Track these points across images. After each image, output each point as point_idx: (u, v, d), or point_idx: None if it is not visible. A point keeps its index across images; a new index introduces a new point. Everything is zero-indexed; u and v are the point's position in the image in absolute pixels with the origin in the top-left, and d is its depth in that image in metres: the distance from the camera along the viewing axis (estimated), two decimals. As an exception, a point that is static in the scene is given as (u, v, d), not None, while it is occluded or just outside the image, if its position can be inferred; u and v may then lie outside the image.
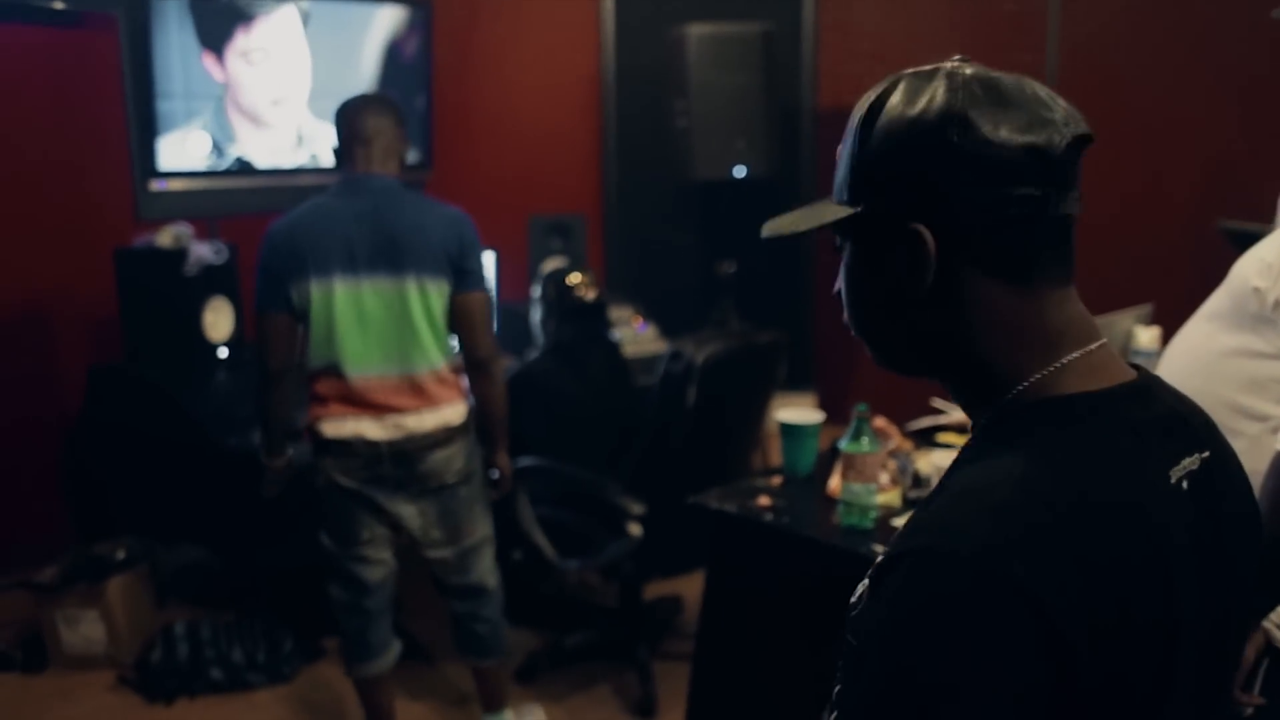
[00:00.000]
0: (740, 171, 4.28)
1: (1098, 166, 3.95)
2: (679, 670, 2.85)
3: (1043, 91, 0.84)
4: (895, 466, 2.11)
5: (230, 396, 3.35)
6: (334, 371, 2.36)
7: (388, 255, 2.33)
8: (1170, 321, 1.96)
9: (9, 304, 3.58)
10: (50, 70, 3.62)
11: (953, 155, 0.80)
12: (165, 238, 3.42)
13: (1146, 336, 2.58)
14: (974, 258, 0.81)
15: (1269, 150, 3.39)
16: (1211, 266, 1.70)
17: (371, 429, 2.37)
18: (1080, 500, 0.76)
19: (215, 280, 3.43)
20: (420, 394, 2.38)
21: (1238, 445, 1.52)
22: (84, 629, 3.04)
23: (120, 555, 3.12)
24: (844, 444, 1.97)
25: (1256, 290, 1.47)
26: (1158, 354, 2.42)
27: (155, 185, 3.70)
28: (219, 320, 3.47)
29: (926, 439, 2.35)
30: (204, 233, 3.64)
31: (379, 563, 2.48)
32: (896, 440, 2.20)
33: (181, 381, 3.34)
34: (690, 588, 3.11)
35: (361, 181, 2.37)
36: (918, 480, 2.07)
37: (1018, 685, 0.70)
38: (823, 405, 4.52)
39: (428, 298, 2.36)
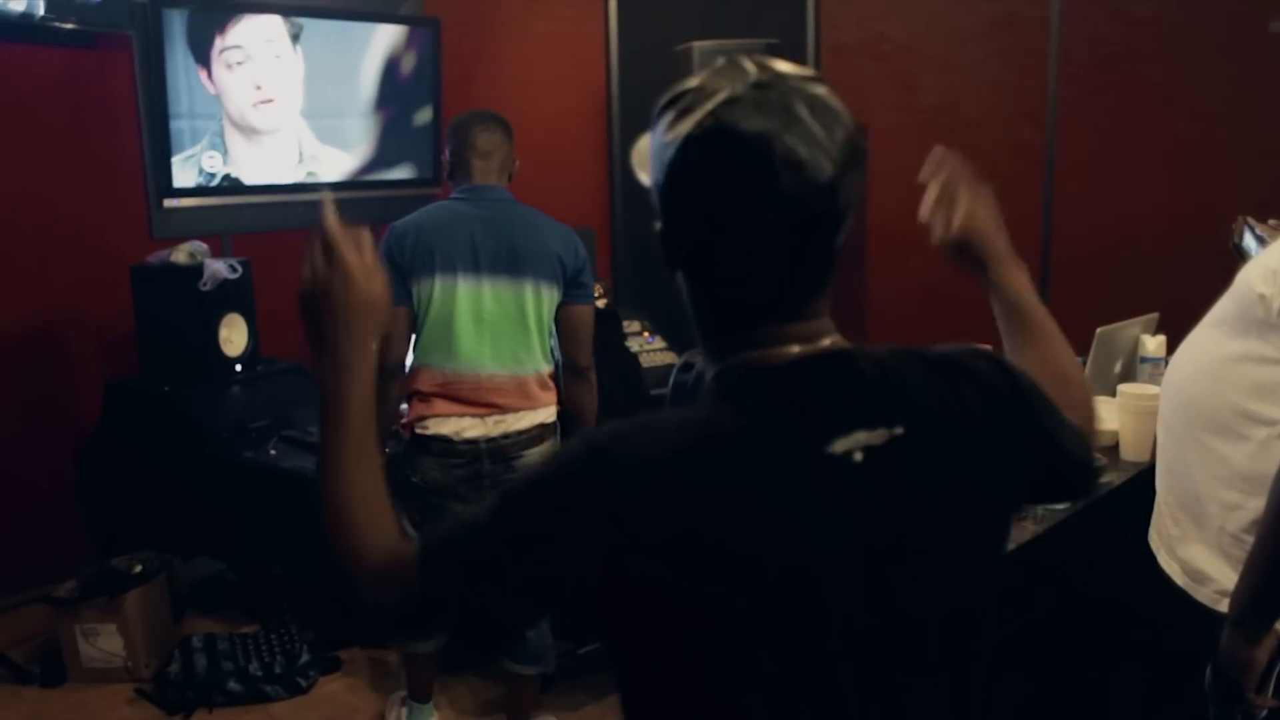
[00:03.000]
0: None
1: (1098, 176, 3.98)
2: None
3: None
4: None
5: (246, 410, 3.39)
6: (440, 367, 2.44)
7: (509, 260, 2.43)
8: (1176, 329, 1.99)
9: (26, 321, 3.62)
10: (65, 90, 3.67)
11: None
12: (180, 254, 3.46)
13: (1153, 344, 2.62)
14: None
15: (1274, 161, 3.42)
16: (1218, 275, 1.73)
17: (474, 427, 2.44)
18: (693, 434, 0.89)
19: (230, 296, 3.48)
20: (525, 394, 2.48)
21: (1245, 449, 1.56)
22: (102, 642, 3.06)
23: (137, 569, 3.15)
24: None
25: (1262, 297, 1.50)
26: (1165, 361, 2.45)
27: (169, 203, 3.75)
28: (234, 335, 3.51)
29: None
30: (217, 250, 3.69)
31: None
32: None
33: (197, 396, 3.38)
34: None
35: (482, 191, 2.49)
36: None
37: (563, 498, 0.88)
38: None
39: (541, 303, 2.47)
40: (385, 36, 4.10)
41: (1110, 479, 2.22)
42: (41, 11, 3.48)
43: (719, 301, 0.97)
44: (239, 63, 3.74)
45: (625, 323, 3.91)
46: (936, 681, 0.95)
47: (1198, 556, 1.64)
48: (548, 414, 2.54)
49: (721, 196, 0.89)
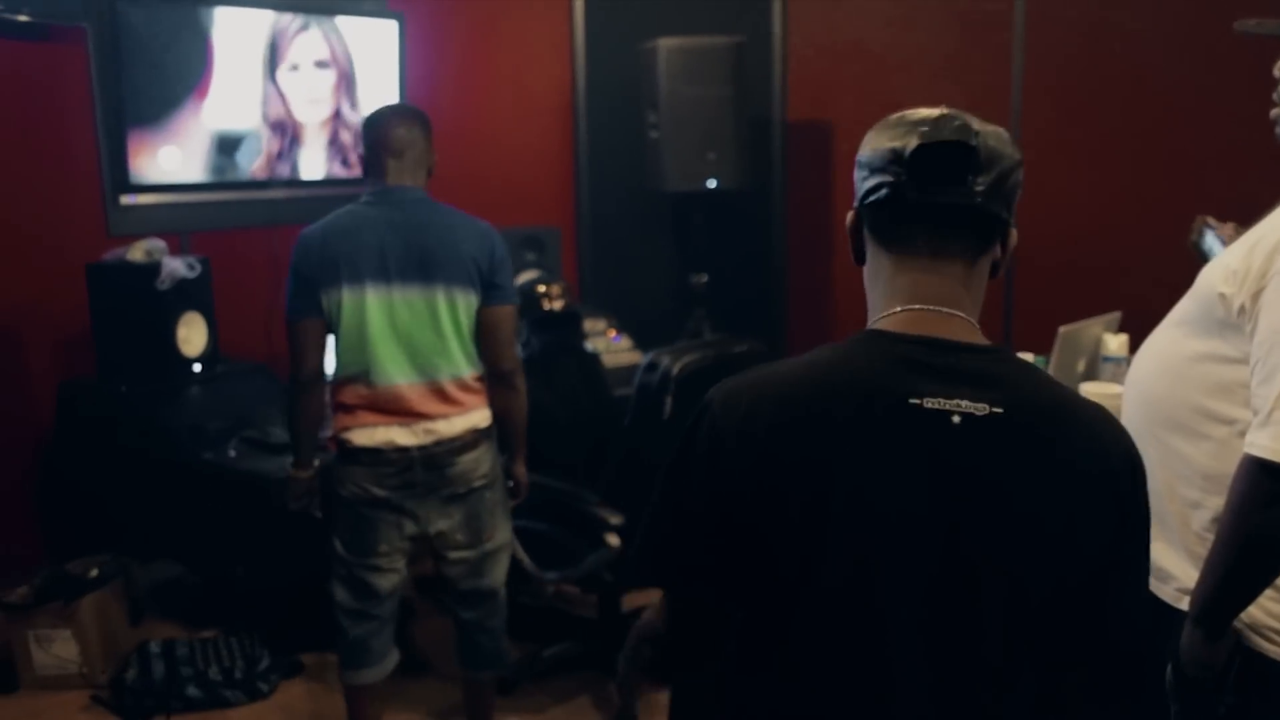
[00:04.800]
0: (712, 183, 4.31)
1: (1061, 177, 4.00)
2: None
3: (934, 114, 1.09)
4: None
5: (205, 411, 3.33)
6: (362, 379, 2.37)
7: (419, 266, 2.35)
8: (1138, 329, 2.00)
9: (-23, 321, 3.54)
10: (17, 84, 3.59)
11: (859, 161, 1.13)
12: (137, 252, 3.40)
13: (1115, 343, 2.63)
14: (868, 228, 1.13)
15: (1241, 157, 3.46)
16: (1180, 275, 1.74)
17: (402, 435, 2.38)
18: (792, 374, 1.07)
19: (188, 295, 3.42)
20: (448, 400, 2.41)
21: (1205, 448, 1.56)
22: (56, 648, 3.00)
23: (94, 573, 3.09)
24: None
25: (1223, 296, 1.51)
26: (1127, 360, 2.47)
27: (126, 199, 3.68)
28: (192, 335, 3.45)
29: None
30: (175, 248, 3.62)
31: (392, 571, 2.49)
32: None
33: (155, 396, 3.32)
34: (669, 597, 3.13)
35: (394, 193, 2.39)
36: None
37: (693, 453, 1.08)
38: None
39: (456, 309, 2.39)
40: (348, 31, 4.05)
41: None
42: (-8, 3, 3.40)
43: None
44: (221, 66, 3.68)
45: (590, 321, 3.89)
46: (981, 669, 1.03)
47: (1159, 555, 1.65)
48: (481, 417, 2.46)
49: None
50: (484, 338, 2.45)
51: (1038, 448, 1.03)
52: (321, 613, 3.22)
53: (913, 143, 1.06)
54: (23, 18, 3.44)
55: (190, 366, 3.43)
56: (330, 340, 2.40)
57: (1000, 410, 1.02)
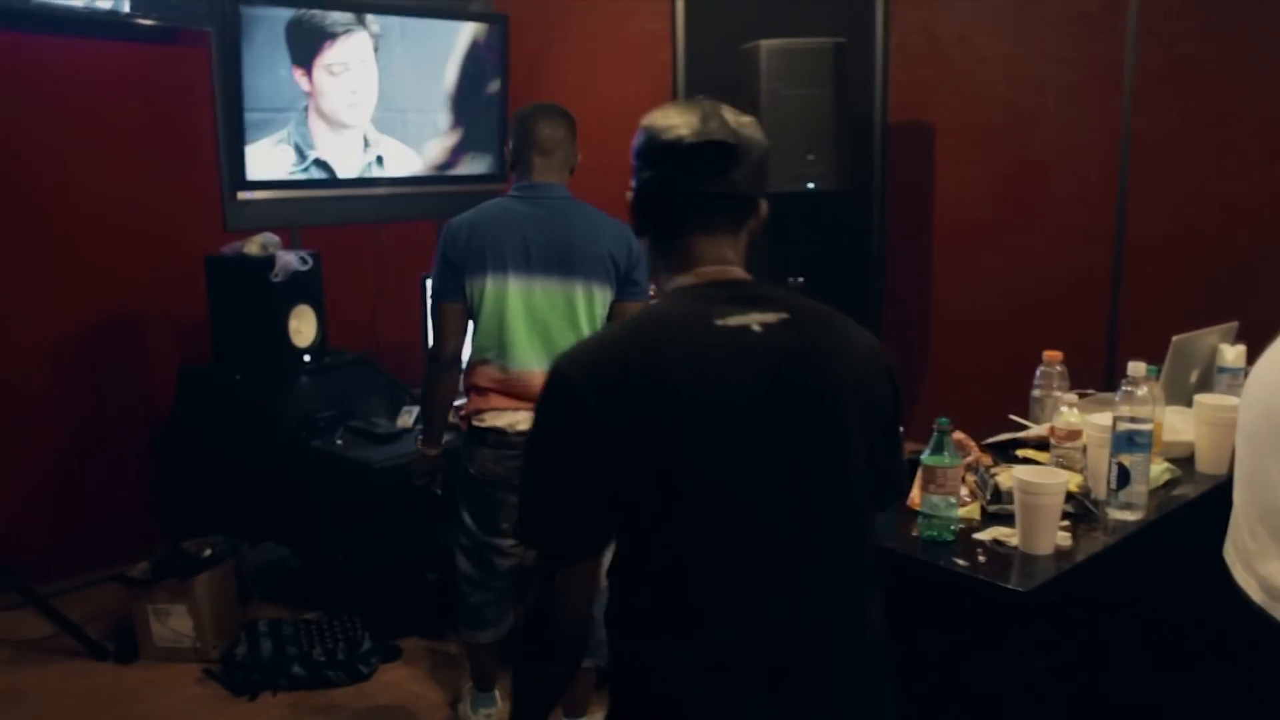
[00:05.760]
0: (810, 185, 4.29)
1: (1176, 178, 3.87)
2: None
3: (698, 112, 1.30)
4: (974, 480, 2.11)
5: (313, 400, 3.45)
6: (496, 363, 2.49)
7: (560, 259, 2.47)
8: (1257, 339, 1.94)
9: (106, 308, 3.73)
10: (145, 85, 3.77)
11: (634, 152, 1.35)
12: (253, 246, 3.53)
13: (1232, 354, 2.55)
14: (649, 212, 1.35)
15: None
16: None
17: (528, 420, 2.45)
18: (626, 330, 1.29)
19: (300, 288, 3.54)
20: None
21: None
22: (173, 622, 3.15)
23: (207, 553, 3.22)
24: (925, 457, 1.98)
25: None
26: (1244, 372, 2.39)
27: (243, 195, 3.82)
28: (303, 326, 3.58)
29: (1004, 453, 2.35)
30: (286, 242, 3.76)
31: (512, 553, 2.59)
32: (975, 454, 2.20)
33: (267, 384, 3.45)
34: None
35: (539, 189, 2.53)
36: (998, 494, 2.07)
37: (553, 425, 1.25)
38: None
39: (593, 302, 2.50)
40: (458, 34, 4.15)
41: (1185, 491, 2.17)
42: (127, 8, 3.58)
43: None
44: (341, 73, 3.82)
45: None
46: (822, 532, 1.26)
47: (1277, 572, 1.60)
48: None
49: None
50: None
51: (824, 335, 1.30)
52: (420, 600, 3.32)
53: (684, 141, 1.28)
54: (148, 21, 3.61)
55: (300, 357, 3.56)
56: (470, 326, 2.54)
57: (786, 315, 1.28)
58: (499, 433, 2.49)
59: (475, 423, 2.52)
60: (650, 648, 1.25)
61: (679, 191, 1.30)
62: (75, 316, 3.67)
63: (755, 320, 1.26)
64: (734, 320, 1.25)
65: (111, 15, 3.57)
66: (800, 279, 4.45)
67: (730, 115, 1.30)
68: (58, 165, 3.59)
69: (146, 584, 3.15)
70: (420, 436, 2.69)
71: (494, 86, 4.31)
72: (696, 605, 1.22)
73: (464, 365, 2.58)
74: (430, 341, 2.61)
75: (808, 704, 1.23)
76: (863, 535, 1.31)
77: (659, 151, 1.30)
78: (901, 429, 1.42)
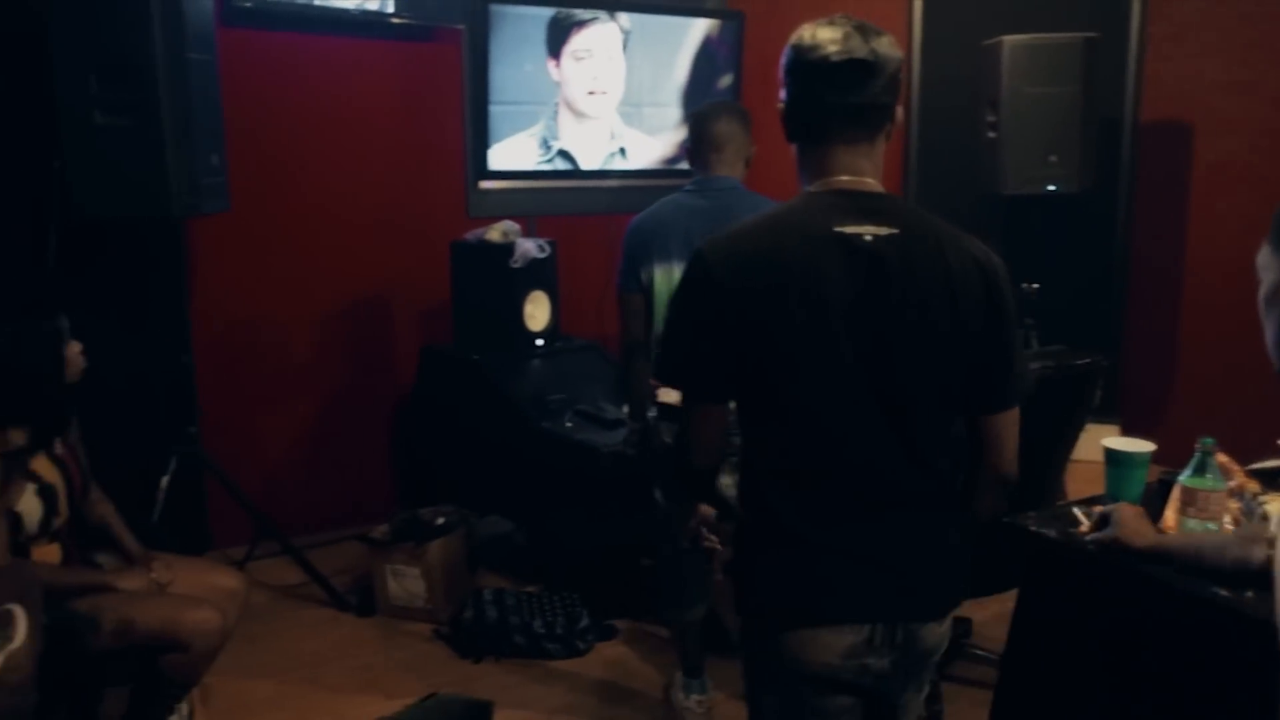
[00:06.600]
0: (1051, 187, 4.10)
1: None
2: (966, 694, 2.80)
3: (840, 33, 1.46)
4: (1239, 507, 1.97)
5: (545, 383, 3.60)
6: None
7: None
8: None
9: (358, 289, 4.02)
10: (402, 81, 4.02)
11: (784, 68, 1.54)
12: (495, 233, 3.71)
13: None
14: (797, 121, 1.53)
15: None
16: None
17: None
18: (759, 223, 1.48)
19: (537, 274, 3.70)
20: None
21: None
22: (408, 583, 3.36)
23: (440, 521, 3.42)
24: (1185, 478, 1.86)
25: None
26: None
27: (484, 184, 4.03)
28: (538, 311, 3.74)
29: (1271, 481, 2.17)
30: (524, 230, 3.93)
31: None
32: (1239, 479, 2.05)
33: (502, 366, 3.62)
34: (980, 611, 3.04)
35: (711, 182, 2.68)
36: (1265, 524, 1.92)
37: (692, 291, 1.48)
38: (1127, 434, 4.26)
39: None
40: (692, 30, 4.21)
41: None
42: (391, 8, 3.84)
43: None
44: (586, 58, 3.98)
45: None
46: (906, 419, 1.47)
47: None
48: None
49: None
50: None
51: (926, 252, 1.46)
52: (636, 584, 3.40)
53: (830, 59, 1.44)
54: (400, 20, 3.85)
55: (534, 341, 3.72)
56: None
57: (897, 231, 1.45)
58: (676, 410, 2.56)
59: (660, 400, 2.65)
60: (768, 488, 1.51)
61: (824, 104, 1.47)
62: (332, 295, 3.97)
63: (869, 231, 1.44)
64: (850, 228, 1.44)
65: (378, 15, 3.83)
66: (1035, 285, 4.26)
67: (871, 32, 1.47)
68: (326, 155, 3.89)
69: (385, 545, 3.37)
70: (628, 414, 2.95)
71: (726, 81, 4.35)
72: (798, 456, 1.48)
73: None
74: (620, 330, 2.81)
75: (882, 530, 1.50)
76: (942, 419, 1.53)
77: (805, 68, 1.47)
78: (1022, 331, 1.59)
